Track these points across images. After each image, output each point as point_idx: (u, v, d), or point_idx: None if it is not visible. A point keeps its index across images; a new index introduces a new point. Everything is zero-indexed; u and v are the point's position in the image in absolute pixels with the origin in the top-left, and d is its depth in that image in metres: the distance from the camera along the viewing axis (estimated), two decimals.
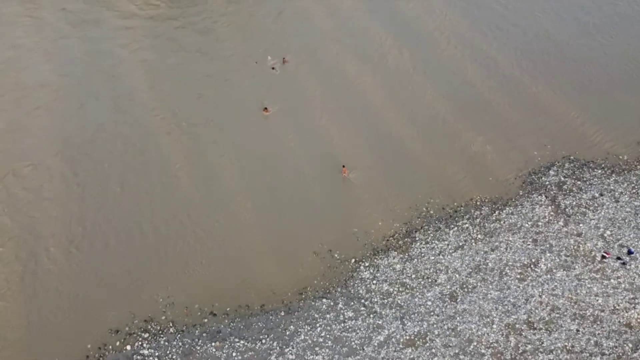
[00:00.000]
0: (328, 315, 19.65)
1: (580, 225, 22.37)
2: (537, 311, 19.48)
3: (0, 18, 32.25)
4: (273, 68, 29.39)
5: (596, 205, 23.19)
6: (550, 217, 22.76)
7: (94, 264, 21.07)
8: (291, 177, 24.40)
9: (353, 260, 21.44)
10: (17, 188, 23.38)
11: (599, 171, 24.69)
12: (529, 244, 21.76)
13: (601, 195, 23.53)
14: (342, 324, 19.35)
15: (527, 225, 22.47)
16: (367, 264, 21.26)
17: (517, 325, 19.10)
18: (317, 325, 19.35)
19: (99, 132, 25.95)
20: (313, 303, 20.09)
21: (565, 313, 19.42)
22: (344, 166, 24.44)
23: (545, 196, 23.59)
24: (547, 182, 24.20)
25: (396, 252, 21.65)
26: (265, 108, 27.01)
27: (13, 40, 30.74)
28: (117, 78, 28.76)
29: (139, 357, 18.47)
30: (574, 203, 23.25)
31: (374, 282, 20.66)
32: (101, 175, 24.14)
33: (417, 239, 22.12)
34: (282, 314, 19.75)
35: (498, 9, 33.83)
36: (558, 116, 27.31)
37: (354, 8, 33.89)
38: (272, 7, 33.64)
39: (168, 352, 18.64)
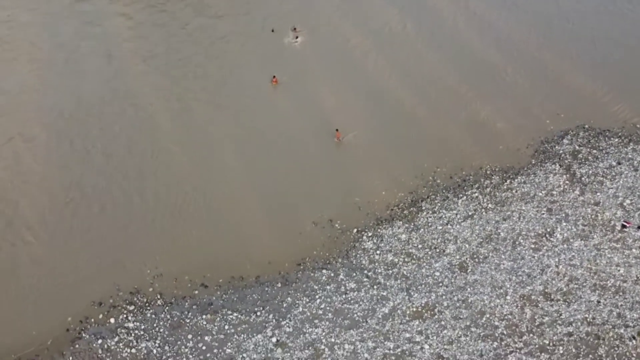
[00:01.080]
0: (328, 287, 18.21)
1: (598, 194, 20.91)
2: (554, 282, 18.04)
3: None
4: (296, 37, 27.80)
5: (614, 174, 21.72)
6: (566, 186, 21.30)
7: (78, 234, 19.63)
8: (290, 146, 22.95)
9: (355, 230, 20.00)
10: None
11: (616, 140, 23.22)
12: (543, 213, 20.31)
13: (619, 164, 22.07)
14: (344, 296, 17.91)
15: (540, 194, 21.02)
16: (370, 234, 19.82)
17: (532, 297, 17.65)
18: (317, 297, 17.92)
19: (91, 101, 24.54)
20: (312, 274, 18.65)
21: (585, 284, 17.98)
22: (337, 130, 23.06)
23: (560, 165, 22.13)
24: (561, 151, 22.75)
25: (401, 222, 20.20)
26: (274, 77, 25.50)
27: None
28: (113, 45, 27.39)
29: (123, 330, 17.03)
30: (590, 172, 21.79)
31: (378, 252, 19.22)
32: (88, 144, 22.71)
33: (423, 208, 20.67)
34: (279, 285, 18.33)
35: None
36: (571, 86, 25.85)
37: None
38: None
39: (155, 324, 17.21)
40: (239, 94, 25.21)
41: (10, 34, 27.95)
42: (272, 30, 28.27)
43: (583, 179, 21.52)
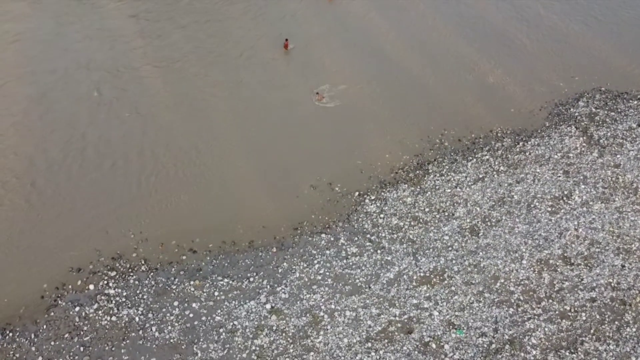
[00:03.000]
0: (328, 252, 16.72)
1: (618, 156, 19.44)
2: (573, 246, 16.57)
3: None
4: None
5: (634, 136, 20.25)
6: (583, 149, 19.82)
7: (56, 197, 18.05)
8: (288, 106, 21.41)
9: (357, 193, 18.49)
10: None
11: (635, 102, 21.75)
12: (559, 176, 18.83)
13: (639, 126, 20.61)
14: (345, 261, 16.43)
15: (556, 156, 19.54)
16: (373, 197, 18.32)
17: (550, 261, 16.18)
18: (315, 262, 16.43)
19: (76, 63, 23.00)
20: (310, 239, 17.15)
21: (607, 247, 16.51)
22: (286, 39, 22.38)
23: (576, 127, 20.64)
24: (577, 114, 21.26)
25: (406, 185, 18.70)
26: (286, 40, 23.85)
27: None
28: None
29: (103, 297, 15.52)
30: (609, 134, 20.31)
31: (382, 216, 17.73)
32: (71, 102, 21.11)
33: (430, 171, 19.17)
34: (274, 250, 16.82)
35: None
36: (585, 48, 24.41)
37: None
38: None
39: (138, 291, 15.70)
40: (235, 53, 23.69)
41: None
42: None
43: (601, 141, 20.04)
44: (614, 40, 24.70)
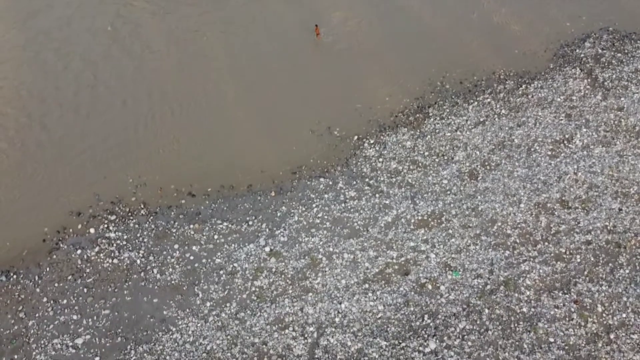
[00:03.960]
0: (326, 196, 16.77)
1: (622, 99, 19.08)
2: (572, 189, 16.56)
3: None
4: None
5: (639, 78, 19.87)
6: (587, 91, 19.43)
7: (53, 141, 17.97)
8: (285, 49, 20.84)
9: (355, 137, 18.33)
10: None
11: None
12: (561, 119, 18.56)
13: None
14: (343, 204, 16.50)
15: (559, 99, 19.19)
16: (372, 141, 18.16)
17: (548, 205, 16.23)
18: (314, 205, 16.50)
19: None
20: (309, 183, 17.15)
21: (605, 191, 16.50)
22: (316, 25, 20.86)
23: (580, 69, 20.14)
24: (582, 55, 20.68)
25: (406, 129, 18.50)
26: (316, 26, 21.33)
27: None
28: None
29: (104, 241, 15.72)
30: (614, 76, 19.83)
31: (380, 160, 17.64)
32: (67, 48, 20.59)
33: (430, 114, 18.90)
34: (273, 194, 16.87)
35: None
36: None
37: None
38: None
39: (138, 234, 15.89)
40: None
41: None
42: None
43: (606, 83, 19.60)
44: None
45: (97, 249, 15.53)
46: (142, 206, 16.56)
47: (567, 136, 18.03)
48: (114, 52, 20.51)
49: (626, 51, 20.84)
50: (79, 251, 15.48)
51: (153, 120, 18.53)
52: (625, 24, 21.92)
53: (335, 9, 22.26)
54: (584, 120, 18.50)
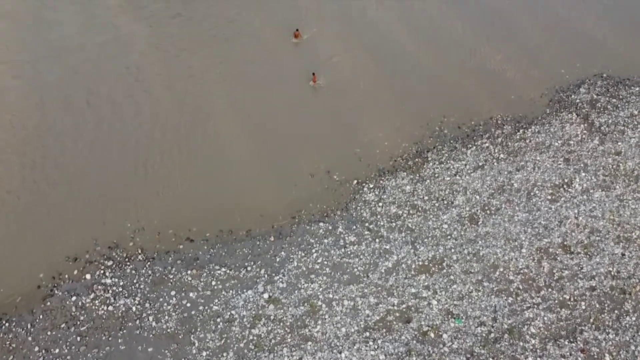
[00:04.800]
0: (326, 240, 16.59)
1: (619, 143, 19.22)
2: (573, 234, 16.44)
3: None
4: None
5: (635, 123, 20.01)
6: (584, 136, 19.60)
7: (52, 185, 17.91)
8: (285, 92, 21.15)
9: (355, 181, 18.32)
10: None
11: (637, 89, 21.45)
12: (560, 163, 18.64)
13: None
14: (343, 249, 16.30)
15: (556, 144, 19.32)
16: (371, 186, 18.14)
17: (550, 250, 16.06)
18: (313, 251, 16.30)
19: (73, 44, 22.67)
20: (308, 227, 17.00)
21: (607, 236, 16.38)
22: (314, 73, 21.27)
23: (577, 114, 20.40)
24: (578, 100, 20.99)
25: (405, 173, 18.52)
26: (297, 30, 23.14)
27: None
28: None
29: (100, 287, 15.42)
30: (610, 121, 20.07)
31: (380, 204, 17.56)
32: (67, 88, 20.90)
33: (429, 159, 18.97)
34: (272, 239, 16.70)
35: None
36: (585, 34, 24.02)
37: None
38: None
39: (135, 281, 15.60)
40: (230, 34, 23.35)
41: None
42: None
43: (602, 128, 19.81)
44: (615, 26, 24.31)
45: (92, 295, 15.22)
46: (140, 251, 16.35)
47: (566, 180, 18.05)
48: (116, 97, 20.78)
49: (621, 96, 21.17)
50: (73, 298, 15.16)
51: (153, 164, 18.56)
52: (618, 71, 22.37)
53: (333, 54, 22.75)
54: (582, 165, 18.57)
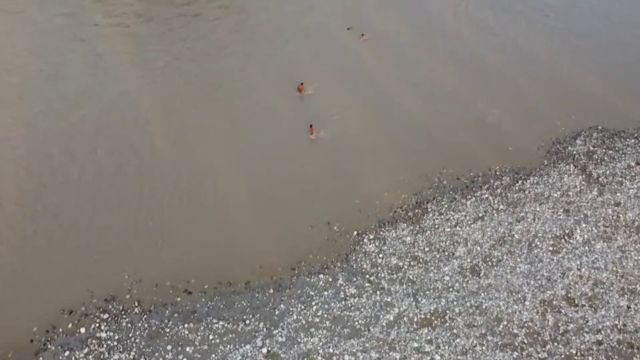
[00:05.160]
0: (326, 293, 16.34)
1: (618, 194, 19.29)
2: (577, 286, 16.21)
3: None
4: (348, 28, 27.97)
5: (633, 174, 20.17)
6: (582, 187, 19.70)
7: (49, 236, 17.81)
8: (284, 143, 21.42)
9: (355, 232, 18.25)
10: None
11: (632, 140, 21.79)
12: (560, 214, 18.63)
13: (638, 164, 20.56)
14: (343, 302, 16.03)
15: (556, 195, 19.39)
16: (371, 237, 18.06)
17: (554, 302, 15.79)
18: (313, 303, 16.02)
19: (72, 95, 23.16)
20: (308, 279, 16.79)
21: (611, 288, 16.15)
22: (311, 125, 21.66)
23: (574, 165, 20.59)
24: (575, 152, 21.25)
25: (405, 224, 18.48)
26: (301, 84, 23.80)
27: None
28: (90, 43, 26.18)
29: (94, 341, 15.05)
30: (608, 172, 20.23)
31: (380, 255, 17.43)
32: (72, 138, 21.17)
33: (429, 210, 18.98)
34: (271, 291, 16.45)
35: None
36: (579, 87, 24.62)
37: None
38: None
39: (130, 334, 15.24)
40: (233, 90, 23.89)
41: None
42: (348, 29, 27.97)
43: (600, 179, 19.95)
44: (608, 80, 24.93)
45: (86, 350, 14.84)
46: (137, 304, 16.07)
47: (567, 231, 17.99)
48: (120, 149, 21.00)
49: (617, 148, 21.44)
50: (67, 353, 14.77)
51: (153, 216, 18.54)
52: (613, 123, 22.76)
53: (333, 107, 23.20)
54: (582, 216, 18.56)
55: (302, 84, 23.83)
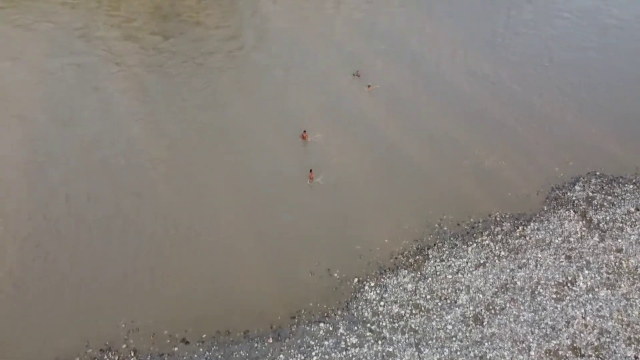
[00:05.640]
0: (326, 342, 15.99)
1: (619, 240, 19.23)
2: (582, 335, 15.91)
3: None
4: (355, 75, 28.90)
5: (634, 220, 20.18)
6: (583, 233, 19.66)
7: (45, 282, 17.57)
8: (283, 190, 21.48)
9: (356, 279, 18.05)
10: None
11: (631, 186, 21.91)
12: (562, 261, 18.50)
13: (637, 210, 20.60)
14: (344, 352, 15.66)
15: (557, 241, 19.32)
16: (372, 284, 17.85)
17: (560, 352, 15.45)
18: (313, 353, 15.65)
19: (77, 144, 23.39)
20: (308, 328, 16.47)
21: (618, 337, 15.84)
22: (311, 170, 21.89)
23: (574, 211, 20.61)
24: (574, 198, 21.32)
25: (407, 271, 18.31)
26: (304, 131, 24.23)
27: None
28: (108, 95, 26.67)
29: None
30: (608, 218, 20.24)
31: (382, 303, 17.17)
32: (65, 182, 21.22)
33: (430, 256, 18.85)
34: (270, 340, 16.09)
35: (504, 43, 33.01)
36: (576, 134, 24.96)
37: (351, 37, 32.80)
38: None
39: None
40: (235, 137, 24.16)
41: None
42: (354, 74, 28.96)
43: (601, 225, 19.93)
44: (605, 127, 25.31)
45: None
46: (133, 354, 15.68)
47: (569, 278, 17.81)
48: (119, 194, 21.04)
49: (616, 194, 21.52)
50: None
51: (151, 262, 18.37)
52: (611, 169, 22.95)
53: (334, 151, 23.42)
54: (584, 262, 18.43)
55: (305, 131, 24.17)
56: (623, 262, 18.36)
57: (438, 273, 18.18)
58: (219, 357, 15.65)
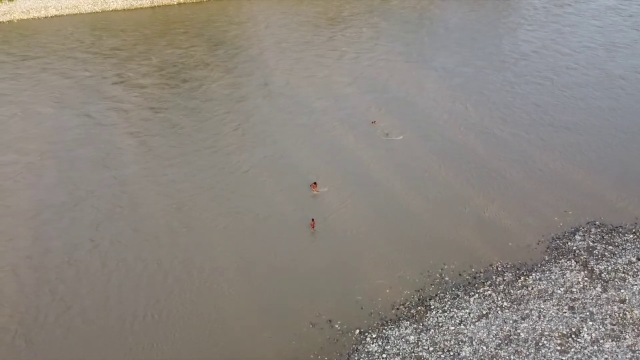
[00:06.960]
0: None
1: (622, 291, 19.11)
2: None
3: None
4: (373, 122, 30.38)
5: (635, 270, 20.11)
6: (585, 283, 19.56)
7: (44, 348, 17.42)
8: (286, 241, 21.57)
9: (357, 331, 17.84)
10: None
11: (631, 236, 21.97)
12: (565, 312, 18.32)
13: (639, 260, 20.58)
14: None
15: (559, 291, 19.20)
16: (374, 336, 17.62)
17: None
18: None
19: (71, 203, 23.71)
20: None
21: None
22: (313, 219, 22.23)
23: (576, 261, 20.59)
24: (575, 247, 21.35)
25: (408, 322, 18.12)
26: (314, 183, 24.61)
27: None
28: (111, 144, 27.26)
29: None
30: (610, 268, 20.19)
31: (384, 355, 16.89)
32: (65, 256, 21.38)
33: (432, 307, 18.70)
34: None
35: (504, 95, 33.95)
36: (575, 185, 25.25)
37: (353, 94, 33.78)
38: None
39: None
40: (239, 187, 24.47)
41: None
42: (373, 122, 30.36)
43: (603, 275, 19.86)
44: (603, 177, 25.64)
45: None
46: None
47: (573, 330, 17.59)
48: (110, 254, 21.18)
49: (616, 244, 21.55)
50: None
51: (149, 318, 18.22)
52: (610, 218, 23.08)
53: (337, 205, 23.65)
54: (588, 313, 18.25)
55: (315, 183, 24.54)
56: (627, 313, 18.18)
57: (440, 324, 17.99)
58: None
